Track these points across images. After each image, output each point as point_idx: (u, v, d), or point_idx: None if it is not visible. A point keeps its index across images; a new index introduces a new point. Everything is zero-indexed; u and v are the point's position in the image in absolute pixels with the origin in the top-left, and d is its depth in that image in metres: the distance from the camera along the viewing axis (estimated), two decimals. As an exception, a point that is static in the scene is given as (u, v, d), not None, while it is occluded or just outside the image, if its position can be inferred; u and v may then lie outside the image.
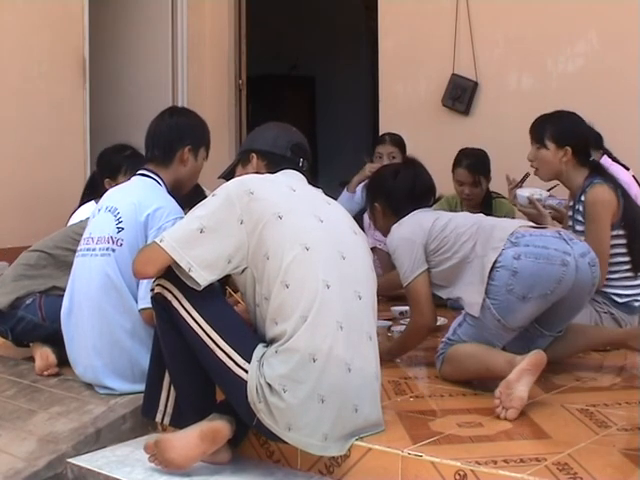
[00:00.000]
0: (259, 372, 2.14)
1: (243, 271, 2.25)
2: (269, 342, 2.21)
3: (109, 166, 3.74)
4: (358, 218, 4.80)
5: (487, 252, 2.67)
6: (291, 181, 2.39)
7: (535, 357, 2.43)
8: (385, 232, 3.08)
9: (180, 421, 2.37)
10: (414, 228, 2.88)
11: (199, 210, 2.27)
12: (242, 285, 2.29)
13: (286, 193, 2.32)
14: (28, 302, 3.18)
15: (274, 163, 2.48)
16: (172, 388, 2.40)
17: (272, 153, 2.51)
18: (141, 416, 2.56)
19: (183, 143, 2.89)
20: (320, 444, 2.16)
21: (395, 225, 2.96)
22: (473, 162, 4.36)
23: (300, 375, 2.12)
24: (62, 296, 3.10)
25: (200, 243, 2.20)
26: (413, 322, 2.95)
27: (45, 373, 3.03)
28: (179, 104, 5.92)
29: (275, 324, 2.18)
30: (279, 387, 2.12)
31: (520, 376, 2.39)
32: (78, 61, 5.45)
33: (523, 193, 3.46)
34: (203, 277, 2.19)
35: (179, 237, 2.22)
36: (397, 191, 3.02)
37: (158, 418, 2.44)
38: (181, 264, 2.19)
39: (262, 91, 8.17)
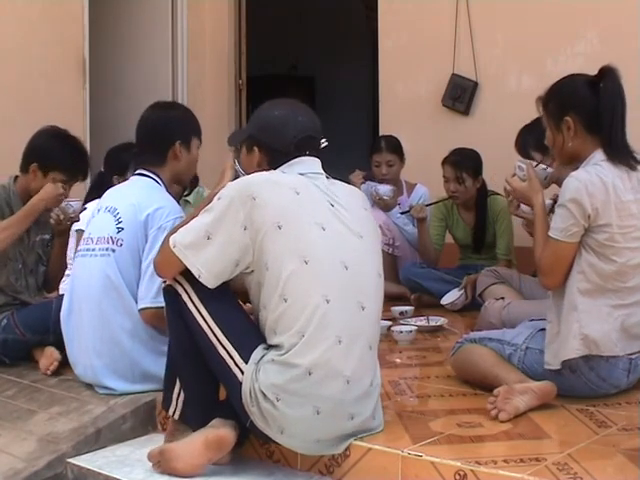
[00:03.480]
0: (254, 377, 2.14)
1: (252, 272, 2.25)
2: (269, 346, 2.21)
3: (117, 164, 3.78)
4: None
5: (582, 329, 2.46)
6: (296, 181, 2.29)
7: (547, 386, 2.44)
8: (566, 160, 2.62)
9: (187, 418, 2.38)
10: (602, 205, 2.42)
11: (206, 215, 2.25)
12: (249, 285, 2.29)
13: (289, 198, 2.24)
14: (3, 324, 3.21)
15: (276, 160, 2.37)
16: None
17: (275, 150, 2.37)
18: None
19: (172, 140, 2.88)
20: (313, 446, 2.19)
21: (583, 172, 2.46)
22: (458, 159, 4.36)
23: (295, 388, 2.12)
24: (29, 304, 3.26)
25: (208, 250, 2.21)
26: (539, 278, 2.65)
27: (48, 372, 3.04)
28: (179, 104, 5.92)
29: (274, 334, 2.18)
30: (272, 396, 2.12)
31: (525, 392, 2.40)
32: (78, 61, 5.44)
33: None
34: (212, 283, 2.23)
35: (189, 243, 2.23)
36: (597, 107, 2.48)
37: (171, 412, 2.44)
38: (192, 270, 2.22)
39: (262, 91, 8.15)
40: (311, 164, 2.37)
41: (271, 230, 2.18)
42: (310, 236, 2.21)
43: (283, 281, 2.16)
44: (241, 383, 2.16)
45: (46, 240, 3.49)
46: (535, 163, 2.79)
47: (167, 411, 2.45)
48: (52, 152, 3.37)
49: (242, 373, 2.16)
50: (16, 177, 3.44)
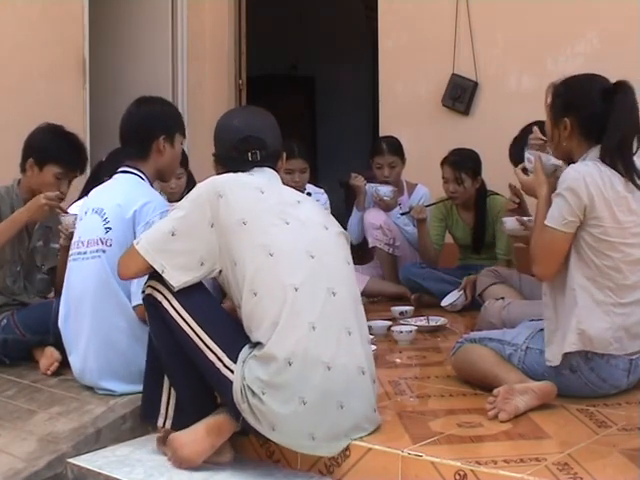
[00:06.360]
0: (242, 374, 2.17)
1: (220, 273, 2.27)
2: (253, 344, 2.22)
3: (118, 167, 3.74)
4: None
5: (579, 324, 2.45)
6: (261, 181, 2.37)
7: (547, 386, 2.45)
8: (560, 155, 2.61)
9: (182, 423, 2.36)
10: (598, 196, 2.42)
11: (174, 212, 2.32)
12: (225, 286, 2.31)
13: (253, 197, 2.31)
14: (3, 324, 3.21)
15: (229, 166, 2.44)
16: (172, 390, 2.40)
17: (223, 157, 2.48)
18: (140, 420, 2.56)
19: (156, 135, 2.88)
20: (308, 443, 2.18)
21: (582, 165, 2.47)
22: (457, 159, 4.37)
23: (278, 381, 2.14)
24: (29, 304, 3.25)
25: (172, 246, 2.25)
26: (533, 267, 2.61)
27: (49, 372, 3.03)
28: (179, 104, 5.92)
29: (251, 331, 2.21)
30: (258, 390, 2.14)
31: (525, 392, 2.40)
32: (78, 61, 5.44)
33: (509, 220, 3.14)
34: (175, 278, 2.24)
35: (152, 239, 2.28)
36: (602, 117, 2.46)
37: (160, 422, 2.43)
38: (154, 266, 2.25)
39: (262, 91, 8.16)
40: (274, 177, 2.45)
41: (236, 227, 2.23)
42: (274, 230, 2.26)
43: (250, 276, 2.19)
44: (232, 382, 2.18)
45: (55, 250, 3.47)
46: (547, 157, 2.67)
47: (156, 423, 2.43)
48: (46, 144, 3.38)
49: (232, 373, 2.18)
50: (20, 180, 3.44)
